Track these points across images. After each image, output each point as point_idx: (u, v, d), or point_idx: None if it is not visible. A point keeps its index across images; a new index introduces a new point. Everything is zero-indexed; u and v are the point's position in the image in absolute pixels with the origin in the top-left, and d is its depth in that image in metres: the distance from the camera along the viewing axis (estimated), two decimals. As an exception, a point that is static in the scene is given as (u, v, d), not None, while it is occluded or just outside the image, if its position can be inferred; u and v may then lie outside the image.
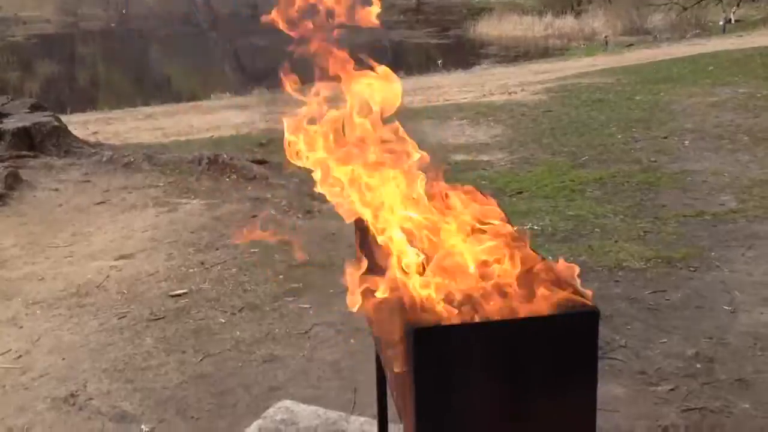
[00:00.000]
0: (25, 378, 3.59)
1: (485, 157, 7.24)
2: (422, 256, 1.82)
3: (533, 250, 1.87)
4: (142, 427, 3.18)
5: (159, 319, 4.10)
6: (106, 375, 3.58)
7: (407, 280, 1.74)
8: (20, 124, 6.50)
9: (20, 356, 3.79)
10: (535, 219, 5.26)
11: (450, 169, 6.56)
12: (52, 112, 7.51)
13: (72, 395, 3.43)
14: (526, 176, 6.45)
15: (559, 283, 1.72)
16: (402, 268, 1.79)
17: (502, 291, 1.71)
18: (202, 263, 4.78)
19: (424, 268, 1.79)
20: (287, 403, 3.12)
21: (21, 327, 4.09)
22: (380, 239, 1.91)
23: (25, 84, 19.35)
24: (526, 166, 6.83)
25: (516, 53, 22.50)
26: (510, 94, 11.25)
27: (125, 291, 4.45)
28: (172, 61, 25.52)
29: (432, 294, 1.69)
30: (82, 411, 3.32)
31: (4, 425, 3.24)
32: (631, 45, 20.37)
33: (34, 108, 7.07)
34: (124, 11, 34.72)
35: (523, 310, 1.65)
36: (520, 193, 5.96)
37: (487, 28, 27.65)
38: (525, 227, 5.08)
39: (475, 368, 1.60)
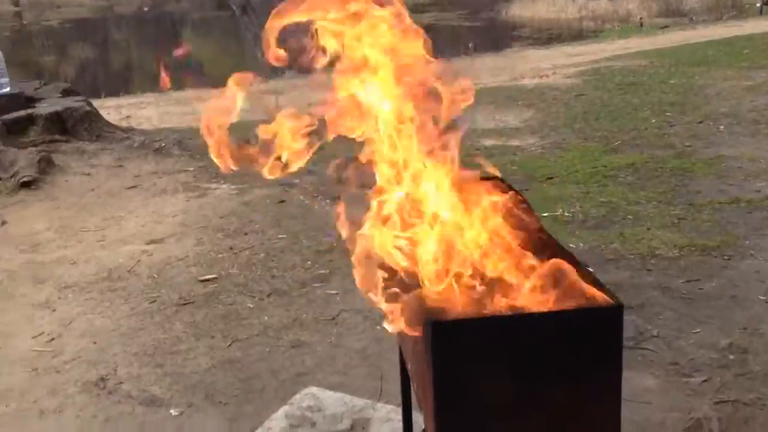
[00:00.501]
0: (56, 361, 3.65)
1: (515, 142, 7.17)
2: (442, 249, 1.80)
3: (557, 242, 1.84)
4: (171, 411, 3.21)
5: (188, 303, 4.13)
6: (137, 359, 3.62)
7: (426, 272, 1.72)
8: (53, 109, 6.56)
9: (52, 339, 3.85)
10: (566, 205, 5.19)
11: (479, 154, 6.51)
12: (86, 96, 7.58)
13: (102, 379, 3.47)
14: (557, 161, 6.38)
15: (582, 276, 1.68)
16: (421, 260, 1.77)
17: (523, 284, 1.68)
18: (231, 248, 4.80)
19: (444, 261, 1.77)
20: (314, 389, 3.12)
21: (54, 310, 4.15)
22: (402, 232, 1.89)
23: (60, 68, 19.57)
24: (557, 151, 6.75)
25: (549, 35, 22.21)
26: (542, 77, 11.11)
27: (155, 275, 4.50)
28: (204, 45, 25.63)
29: (451, 287, 1.67)
30: (112, 395, 3.36)
31: (36, 407, 3.30)
32: (666, 27, 19.97)
33: (67, 93, 7.13)
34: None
35: (545, 305, 1.62)
36: (551, 178, 5.89)
37: (519, 10, 27.33)
38: (556, 213, 5.03)
39: (494, 362, 1.58)
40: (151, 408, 3.24)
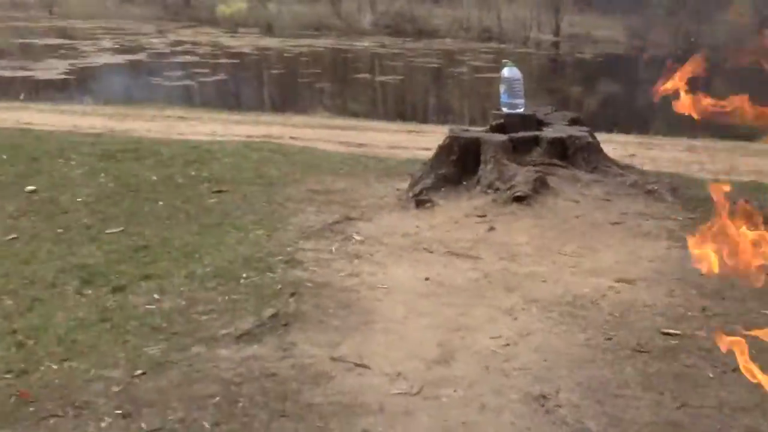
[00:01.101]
0: (507, 365, 3.85)
1: None
2: None
3: None
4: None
5: (644, 352, 3.98)
6: (579, 389, 3.62)
7: None
8: (557, 135, 6.87)
9: (508, 345, 4.07)
10: None
11: None
12: (597, 129, 7.77)
13: (543, 396, 3.56)
14: None
15: None
16: None
17: None
18: (703, 309, 4.48)
19: None
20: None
21: (515, 319, 4.38)
22: None
23: (584, 99, 20.50)
24: None
25: None
26: None
27: (617, 314, 4.43)
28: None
29: None
30: (548, 414, 3.42)
31: (479, 401, 3.53)
32: None
33: (573, 122, 7.39)
34: (692, 40, 34.27)
35: None
36: None
37: None
38: None
39: None
40: (581, 441, 3.22)
